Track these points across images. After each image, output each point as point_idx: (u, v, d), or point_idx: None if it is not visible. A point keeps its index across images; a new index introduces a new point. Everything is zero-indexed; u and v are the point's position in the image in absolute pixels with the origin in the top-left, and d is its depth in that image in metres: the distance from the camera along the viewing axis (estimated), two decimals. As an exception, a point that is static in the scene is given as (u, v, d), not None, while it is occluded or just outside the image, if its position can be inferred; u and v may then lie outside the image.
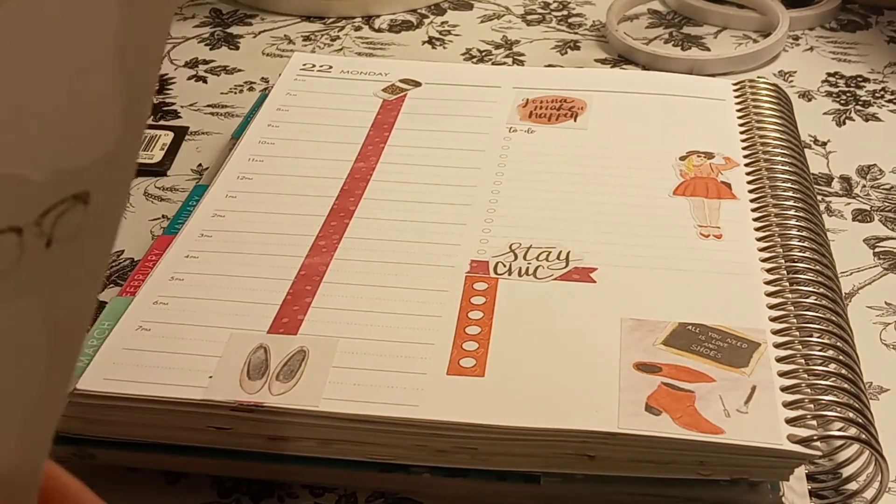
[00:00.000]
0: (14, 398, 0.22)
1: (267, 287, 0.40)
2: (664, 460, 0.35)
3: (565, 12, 0.69)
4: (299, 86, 0.54)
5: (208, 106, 0.58)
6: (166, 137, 0.55)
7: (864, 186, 0.52)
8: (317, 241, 0.43)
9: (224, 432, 0.36)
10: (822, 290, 0.40)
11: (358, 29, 0.67)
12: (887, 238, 0.49)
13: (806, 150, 0.51)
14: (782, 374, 0.36)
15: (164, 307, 0.39)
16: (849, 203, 0.51)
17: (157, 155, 0.54)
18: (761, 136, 0.49)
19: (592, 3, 0.70)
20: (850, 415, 0.35)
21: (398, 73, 0.55)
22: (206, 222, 0.44)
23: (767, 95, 0.52)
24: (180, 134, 0.55)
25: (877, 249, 0.48)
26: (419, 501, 0.37)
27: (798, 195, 0.45)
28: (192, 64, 0.63)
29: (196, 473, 0.38)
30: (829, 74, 0.61)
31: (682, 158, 0.48)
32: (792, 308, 0.39)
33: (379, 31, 0.67)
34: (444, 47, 0.65)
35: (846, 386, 0.36)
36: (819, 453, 0.35)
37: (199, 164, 0.53)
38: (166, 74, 0.62)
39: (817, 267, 0.41)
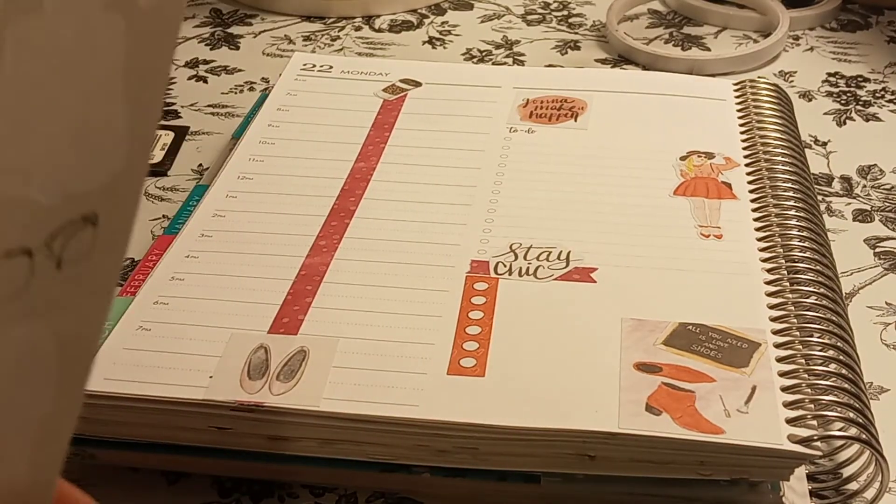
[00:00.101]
0: (25, 418, 0.23)
1: (267, 287, 0.40)
2: (664, 460, 0.35)
3: (565, 12, 0.69)
4: (300, 86, 0.54)
5: (209, 106, 0.58)
6: (167, 137, 0.55)
7: (865, 186, 0.52)
8: (317, 241, 0.43)
9: (224, 432, 0.36)
10: (822, 290, 0.40)
11: (358, 29, 0.67)
12: (888, 238, 0.49)
13: (806, 150, 0.51)
14: (783, 374, 0.36)
15: (164, 307, 0.39)
16: (849, 203, 0.51)
17: (157, 155, 0.54)
18: (762, 137, 0.49)
19: (593, 3, 0.70)
20: (851, 415, 0.35)
21: (398, 73, 0.55)
22: (206, 222, 0.44)
23: (768, 95, 0.52)
24: (181, 134, 0.55)
25: (877, 249, 0.48)
26: (419, 501, 0.37)
27: (798, 195, 0.45)
28: (193, 64, 0.63)
29: (196, 473, 0.38)
30: (830, 74, 0.61)
31: (683, 158, 0.48)
32: (792, 308, 0.39)
33: (379, 31, 0.67)
34: (445, 47, 0.65)
35: (846, 386, 0.36)
36: (819, 453, 0.35)
37: (200, 164, 0.53)
38: (167, 74, 0.62)
39: (818, 267, 0.41)
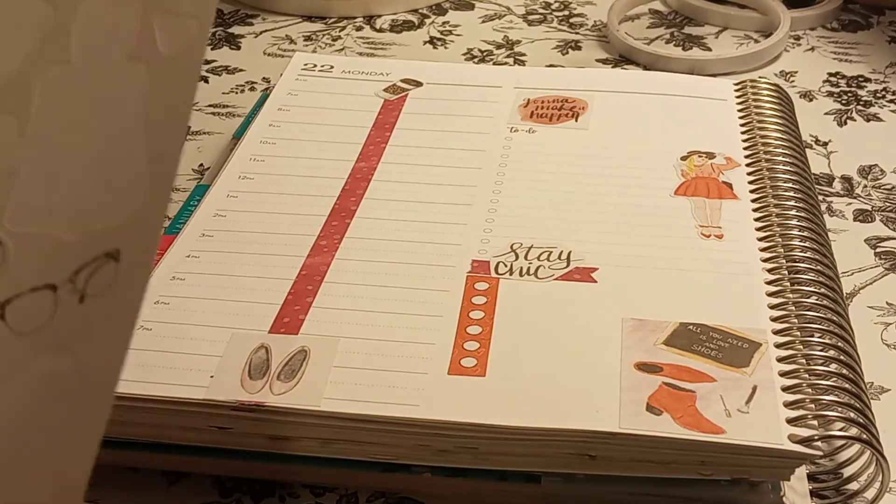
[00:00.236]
0: (48, 445, 0.23)
1: (268, 287, 0.41)
2: (665, 460, 0.35)
3: (566, 12, 0.69)
4: (300, 86, 0.54)
5: (209, 106, 0.58)
6: (168, 137, 0.55)
7: (866, 186, 0.52)
8: (318, 240, 0.43)
9: (225, 432, 0.36)
10: (823, 290, 0.40)
11: (359, 29, 0.67)
12: (888, 238, 0.49)
13: (807, 150, 0.51)
14: (783, 374, 0.36)
15: (165, 307, 0.39)
16: (850, 203, 0.51)
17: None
18: (762, 137, 0.49)
19: (594, 3, 0.70)
20: (851, 415, 0.35)
21: (399, 72, 0.55)
22: (207, 222, 0.44)
23: (769, 95, 0.52)
24: (182, 134, 0.55)
25: (878, 249, 0.48)
26: (420, 501, 0.37)
27: (799, 195, 0.45)
28: (194, 64, 0.63)
29: (197, 473, 0.38)
30: (831, 74, 0.61)
31: (684, 158, 0.48)
32: (793, 308, 0.39)
33: (380, 31, 0.67)
34: (446, 47, 0.65)
35: (847, 386, 0.36)
36: (820, 453, 0.35)
37: (201, 164, 0.53)
38: (168, 74, 0.62)
39: (818, 267, 0.41)
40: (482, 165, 0.48)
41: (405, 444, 0.36)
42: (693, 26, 0.67)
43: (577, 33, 0.66)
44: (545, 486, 0.36)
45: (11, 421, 0.22)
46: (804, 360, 0.37)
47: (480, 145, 0.49)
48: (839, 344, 0.38)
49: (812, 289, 0.40)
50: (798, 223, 0.43)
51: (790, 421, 0.34)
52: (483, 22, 0.68)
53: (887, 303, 0.45)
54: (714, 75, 0.60)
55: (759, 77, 0.56)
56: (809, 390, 0.36)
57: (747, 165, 0.47)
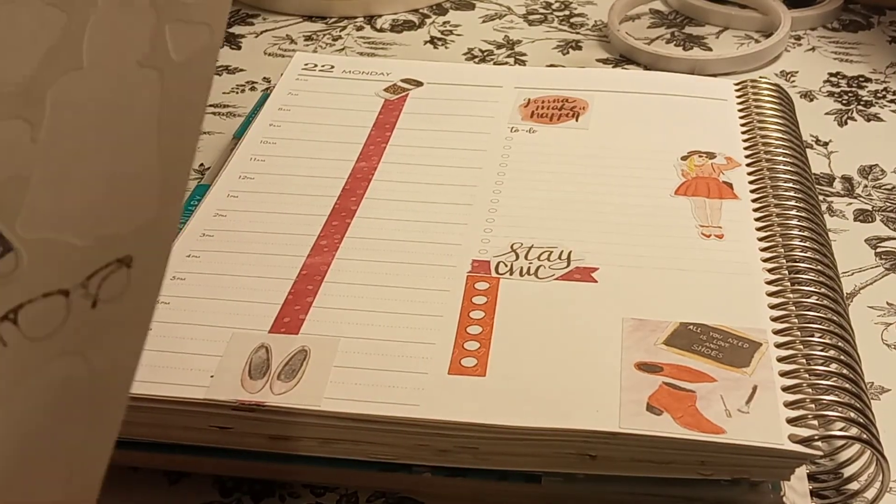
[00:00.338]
0: (61, 448, 0.24)
1: (268, 287, 0.41)
2: (665, 460, 0.35)
3: (567, 12, 0.69)
4: (301, 85, 0.54)
5: (210, 105, 0.58)
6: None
7: (866, 186, 0.52)
8: (318, 240, 0.43)
9: (225, 432, 0.36)
10: (823, 290, 0.40)
11: (360, 29, 0.67)
12: (889, 238, 0.49)
13: (807, 150, 0.51)
14: (783, 374, 0.36)
15: (165, 307, 0.39)
16: (850, 203, 0.51)
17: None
18: (763, 136, 0.49)
19: (594, 2, 0.70)
20: (852, 415, 0.35)
21: (400, 72, 0.55)
22: (207, 222, 0.44)
23: (769, 95, 0.52)
24: (182, 133, 0.55)
25: (878, 249, 0.48)
26: (420, 501, 0.37)
27: (800, 195, 0.45)
28: (194, 63, 0.63)
29: (197, 473, 0.38)
30: (831, 74, 0.61)
31: (684, 158, 0.48)
32: (793, 308, 0.39)
33: (381, 30, 0.67)
34: (446, 47, 0.65)
35: (847, 386, 0.36)
36: (820, 453, 0.35)
37: (201, 164, 0.53)
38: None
39: (819, 267, 0.41)
40: (482, 165, 0.48)
41: (405, 444, 0.36)
42: (693, 26, 0.67)
43: (577, 33, 0.66)
44: (545, 486, 0.36)
45: (25, 425, 0.23)
46: (804, 360, 0.37)
47: (481, 145, 0.49)
48: (839, 344, 0.38)
49: (812, 289, 0.40)
50: (798, 223, 0.43)
51: (790, 421, 0.34)
52: (483, 22, 0.68)
53: (887, 303, 0.45)
54: (714, 75, 0.60)
55: (760, 77, 0.56)
56: (810, 390, 0.36)
57: (748, 165, 0.47)
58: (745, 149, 0.48)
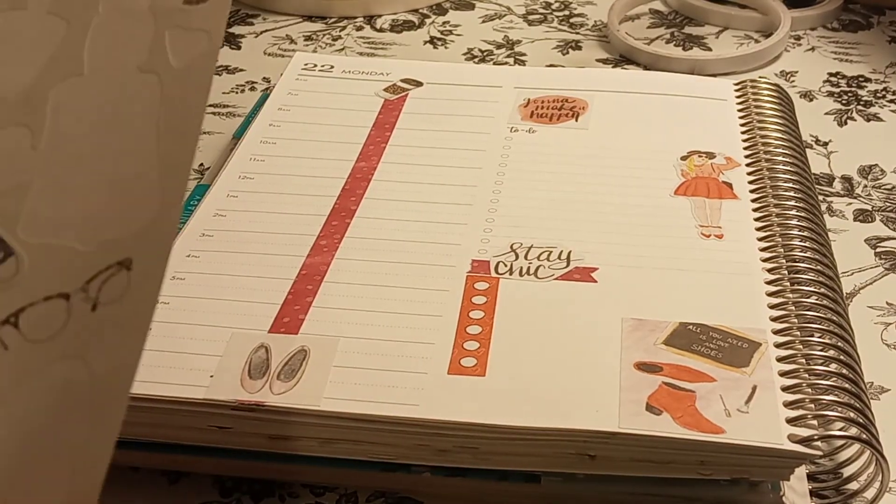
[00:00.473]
0: (62, 451, 0.24)
1: (268, 286, 0.41)
2: (665, 460, 0.35)
3: (567, 12, 0.69)
4: (301, 85, 0.54)
5: (210, 105, 0.58)
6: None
7: (866, 186, 0.52)
8: (318, 240, 0.43)
9: (225, 431, 0.36)
10: (823, 290, 0.40)
11: (359, 29, 0.67)
12: (888, 238, 0.49)
13: (807, 150, 0.51)
14: (783, 374, 0.36)
15: (165, 307, 0.39)
16: (850, 203, 0.51)
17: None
18: (763, 136, 0.49)
19: (594, 2, 0.70)
20: (851, 415, 0.35)
21: (400, 72, 0.55)
22: (207, 222, 0.44)
23: (769, 95, 0.52)
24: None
25: (878, 249, 0.48)
26: (420, 501, 0.37)
27: (799, 195, 0.45)
28: (194, 63, 0.63)
29: (197, 473, 0.38)
30: (831, 74, 0.61)
31: (684, 158, 0.48)
32: (793, 308, 0.39)
33: (380, 30, 0.67)
34: (446, 47, 0.65)
35: (847, 386, 0.36)
36: (820, 453, 0.35)
37: (201, 164, 0.53)
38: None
39: (818, 267, 0.41)
40: (482, 165, 0.48)
41: (405, 444, 0.36)
42: (693, 26, 0.67)
43: (577, 33, 0.66)
44: (545, 485, 0.36)
45: (26, 427, 0.23)
46: (804, 360, 0.37)
47: (480, 145, 0.49)
48: (839, 344, 0.38)
49: (812, 289, 0.40)
50: (798, 223, 0.43)
51: (790, 421, 0.34)
52: (483, 22, 0.68)
53: (887, 303, 0.45)
54: (714, 75, 0.60)
55: (760, 77, 0.56)
56: (809, 390, 0.36)
57: (747, 165, 0.47)
58: (745, 149, 0.48)
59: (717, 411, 0.35)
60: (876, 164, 0.53)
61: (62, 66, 0.21)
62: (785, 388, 0.36)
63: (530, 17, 0.68)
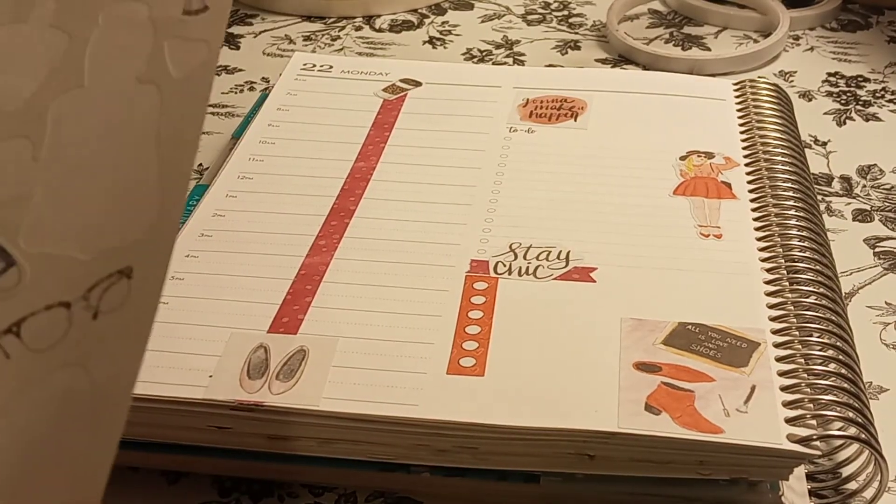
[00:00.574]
0: (63, 459, 0.24)
1: (267, 287, 0.41)
2: (664, 460, 0.35)
3: (566, 12, 0.69)
4: (300, 85, 0.54)
5: (209, 105, 0.58)
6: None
7: (865, 186, 0.52)
8: (317, 240, 0.43)
9: (224, 432, 0.36)
10: (822, 289, 0.40)
11: (358, 29, 0.67)
12: (887, 238, 0.49)
13: (806, 150, 0.51)
14: (782, 374, 0.36)
15: (164, 307, 0.39)
16: (849, 203, 0.51)
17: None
18: (762, 136, 0.49)
19: (593, 2, 0.70)
20: (850, 414, 0.35)
21: (399, 72, 0.55)
22: (206, 222, 0.44)
23: (768, 95, 0.52)
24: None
25: (877, 249, 0.48)
26: (419, 501, 0.37)
27: (798, 195, 0.45)
28: (193, 64, 0.63)
29: (196, 473, 0.38)
30: (830, 74, 0.61)
31: (683, 158, 0.48)
32: (792, 308, 0.39)
33: (379, 30, 0.67)
34: (445, 47, 0.65)
35: (846, 385, 0.36)
36: (818, 453, 0.35)
37: (200, 164, 0.53)
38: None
39: (817, 267, 0.41)
40: (481, 165, 0.48)
41: (404, 444, 0.36)
42: (692, 26, 0.67)
43: (576, 33, 0.66)
44: (544, 485, 0.36)
45: (28, 435, 0.23)
46: (803, 360, 0.37)
47: (479, 145, 0.49)
48: (838, 343, 0.38)
49: (811, 288, 0.40)
50: (797, 223, 0.43)
51: (789, 420, 0.34)
52: (482, 22, 0.68)
53: (886, 302, 0.45)
54: (713, 75, 0.60)
55: (759, 77, 0.56)
56: (808, 390, 0.36)
57: (746, 165, 0.47)
58: (744, 149, 0.48)
59: (716, 411, 0.35)
60: (875, 164, 0.53)
61: (63, 78, 0.21)
62: (784, 388, 0.36)
63: (529, 17, 0.68)
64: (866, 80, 0.61)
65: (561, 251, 0.42)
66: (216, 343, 0.38)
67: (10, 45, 0.20)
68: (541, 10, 0.69)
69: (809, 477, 0.36)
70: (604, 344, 0.37)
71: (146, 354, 0.37)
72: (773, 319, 0.39)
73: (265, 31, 0.67)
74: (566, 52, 0.64)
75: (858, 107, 0.58)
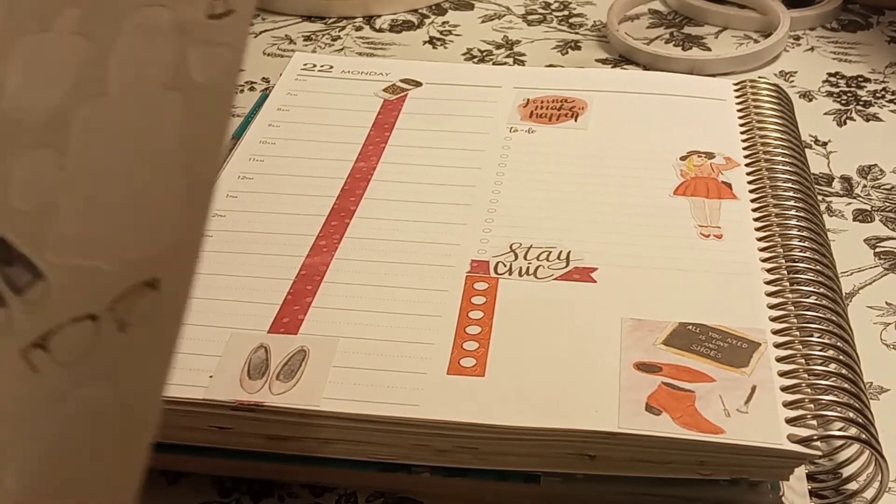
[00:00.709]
0: (91, 474, 0.24)
1: (267, 287, 0.41)
2: (664, 460, 0.35)
3: (566, 12, 0.69)
4: (300, 86, 0.54)
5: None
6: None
7: (865, 186, 0.52)
8: (317, 240, 0.43)
9: (224, 432, 0.36)
10: (822, 290, 0.40)
11: (359, 29, 0.67)
12: (888, 238, 0.49)
13: (806, 150, 0.51)
14: (782, 374, 0.36)
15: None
16: (849, 203, 0.51)
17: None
18: (762, 137, 0.49)
19: (593, 3, 0.70)
20: (851, 415, 0.35)
21: (399, 72, 0.55)
22: (206, 222, 0.44)
23: (768, 95, 0.52)
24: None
25: (877, 249, 0.48)
26: (419, 501, 0.37)
27: (799, 195, 0.45)
28: (193, 64, 0.63)
29: (196, 473, 0.38)
30: (830, 74, 0.61)
31: (683, 158, 0.48)
32: (792, 308, 0.39)
33: (380, 31, 0.67)
34: (445, 47, 0.65)
35: (846, 386, 0.36)
36: (819, 453, 0.35)
37: (200, 164, 0.53)
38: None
39: (818, 267, 0.41)
40: (481, 165, 0.48)
41: (404, 444, 0.36)
42: (693, 26, 0.67)
43: (576, 33, 0.66)
44: (544, 485, 0.36)
45: (56, 451, 0.23)
46: (803, 360, 0.37)
47: (480, 145, 0.49)
48: (838, 344, 0.38)
49: (811, 289, 0.40)
50: (797, 223, 0.43)
51: (789, 421, 0.34)
52: (483, 22, 0.68)
53: (886, 303, 0.45)
54: (714, 75, 0.60)
55: (759, 77, 0.56)
56: (808, 390, 0.36)
57: (747, 165, 0.47)
58: (744, 149, 0.48)
59: (717, 411, 0.35)
60: (875, 164, 0.53)
61: (87, 87, 0.21)
62: (784, 388, 0.36)
63: (529, 18, 0.68)
64: (867, 80, 0.61)
65: (561, 251, 0.42)
66: (216, 343, 0.38)
67: (35, 55, 0.20)
68: (541, 11, 0.69)
69: (810, 477, 0.36)
70: (604, 344, 0.37)
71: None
72: (773, 320, 0.39)
73: (265, 31, 0.67)
74: (566, 53, 0.64)
75: (859, 107, 0.58)
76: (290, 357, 0.37)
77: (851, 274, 0.46)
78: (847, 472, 0.36)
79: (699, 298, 0.40)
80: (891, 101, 0.59)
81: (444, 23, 0.68)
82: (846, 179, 0.52)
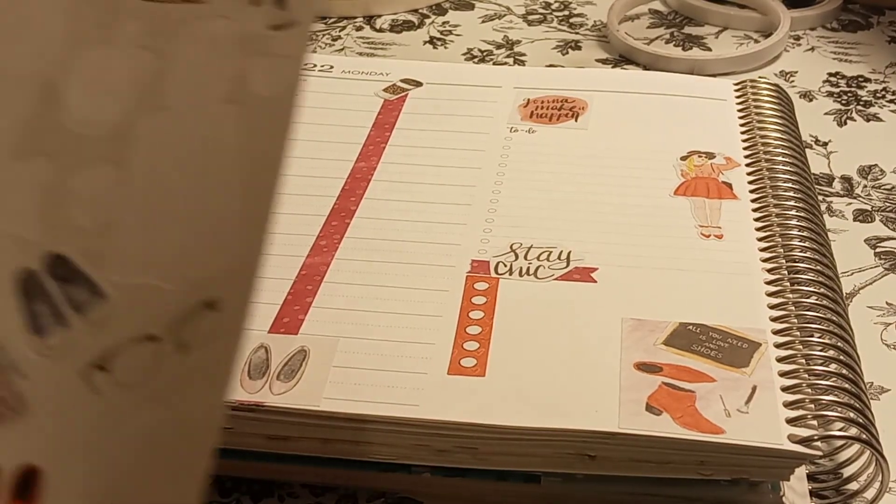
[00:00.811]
0: (148, 498, 0.23)
1: (268, 287, 0.40)
2: (664, 460, 0.35)
3: (566, 12, 0.69)
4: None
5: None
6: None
7: (865, 186, 0.52)
8: (318, 240, 0.43)
9: (224, 432, 0.36)
10: (822, 290, 0.40)
11: (359, 29, 0.67)
12: (888, 238, 0.49)
13: (807, 151, 0.51)
14: (783, 374, 0.36)
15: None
16: (850, 203, 0.51)
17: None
18: (762, 137, 0.49)
19: (593, 3, 0.70)
20: (851, 415, 0.35)
21: (399, 72, 0.55)
22: (206, 222, 0.44)
23: (768, 95, 0.52)
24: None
25: (878, 249, 0.48)
26: (419, 501, 0.37)
27: (799, 195, 0.45)
28: (194, 64, 0.63)
29: (197, 473, 0.38)
30: (831, 74, 0.61)
31: (683, 158, 0.48)
32: (793, 308, 0.39)
33: (380, 31, 0.67)
34: (446, 47, 0.65)
35: (847, 386, 0.36)
36: (819, 453, 0.35)
37: (200, 164, 0.53)
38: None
39: (818, 267, 0.41)
40: (482, 165, 0.48)
41: (404, 444, 0.36)
42: (693, 26, 0.67)
43: (576, 33, 0.66)
44: (545, 486, 0.36)
45: (113, 474, 0.23)
46: (804, 360, 0.37)
47: (480, 145, 0.49)
48: (839, 344, 0.38)
49: (812, 289, 0.40)
50: (798, 223, 0.43)
51: (790, 421, 0.34)
52: (483, 22, 0.68)
53: (887, 303, 0.45)
54: (714, 75, 0.60)
55: (759, 77, 0.56)
56: (809, 390, 0.36)
57: (747, 165, 0.47)
58: (745, 149, 0.48)
59: (717, 411, 0.35)
60: (875, 164, 0.53)
61: (149, 100, 0.21)
62: (785, 389, 0.36)
63: (530, 18, 0.68)
64: (867, 80, 0.61)
65: (562, 251, 0.42)
66: (217, 343, 0.38)
67: (98, 70, 0.20)
68: (541, 10, 0.69)
69: (810, 477, 0.36)
70: (604, 344, 0.37)
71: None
72: (773, 320, 0.39)
73: (266, 31, 0.67)
74: (567, 53, 0.64)
75: (859, 107, 0.58)
76: (291, 357, 0.37)
77: (852, 274, 0.46)
78: (847, 472, 0.37)
79: (699, 298, 0.40)
80: (891, 101, 0.59)
81: (444, 23, 0.68)
82: (846, 179, 0.52)
